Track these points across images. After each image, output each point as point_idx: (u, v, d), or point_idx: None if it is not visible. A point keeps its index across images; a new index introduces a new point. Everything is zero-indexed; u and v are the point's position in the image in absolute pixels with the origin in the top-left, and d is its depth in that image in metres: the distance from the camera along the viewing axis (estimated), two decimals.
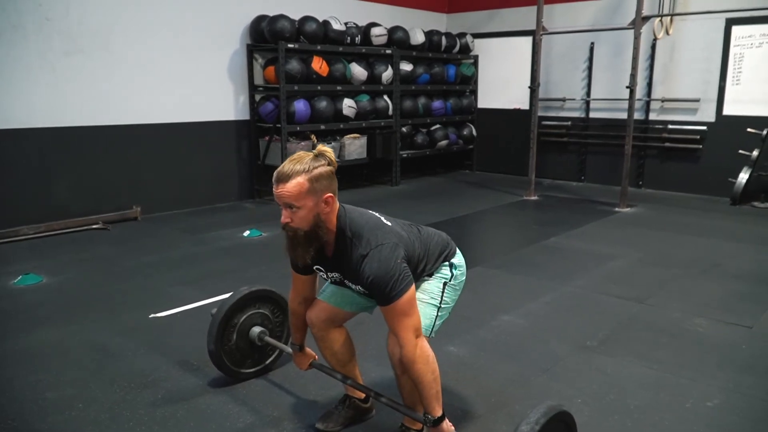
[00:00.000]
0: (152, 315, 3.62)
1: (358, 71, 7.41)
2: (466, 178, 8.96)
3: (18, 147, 5.36)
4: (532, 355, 3.11)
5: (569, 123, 8.48)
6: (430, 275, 2.20)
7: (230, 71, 6.84)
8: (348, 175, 7.95)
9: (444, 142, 8.74)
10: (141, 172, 6.22)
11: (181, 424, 2.47)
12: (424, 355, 2.00)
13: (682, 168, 7.62)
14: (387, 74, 7.76)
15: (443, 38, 8.55)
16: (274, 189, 1.94)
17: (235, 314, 2.72)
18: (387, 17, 8.26)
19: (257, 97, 7.06)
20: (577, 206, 6.96)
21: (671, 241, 5.37)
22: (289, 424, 2.48)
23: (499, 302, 3.85)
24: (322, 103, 7.07)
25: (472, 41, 9.05)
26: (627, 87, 6.54)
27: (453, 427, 2.10)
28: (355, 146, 7.58)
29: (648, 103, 7.72)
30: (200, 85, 6.56)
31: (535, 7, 7.23)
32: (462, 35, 8.93)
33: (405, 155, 8.37)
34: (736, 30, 7.00)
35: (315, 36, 6.90)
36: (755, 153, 6.72)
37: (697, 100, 7.35)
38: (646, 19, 6.52)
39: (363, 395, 2.45)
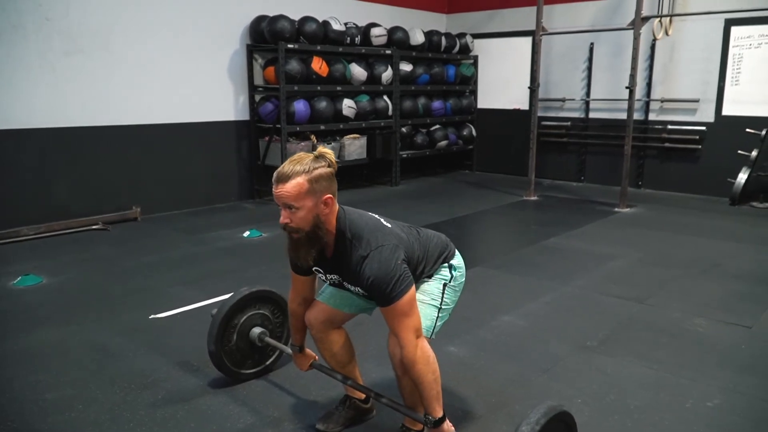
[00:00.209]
0: (152, 316, 3.62)
1: (357, 71, 7.41)
2: (465, 179, 8.96)
3: (18, 147, 5.36)
4: (532, 356, 3.11)
5: (569, 123, 8.49)
6: (430, 276, 2.20)
7: (230, 71, 6.84)
8: (348, 176, 7.95)
9: (444, 143, 8.74)
10: (141, 172, 6.22)
11: (181, 425, 2.47)
12: (425, 356, 2.00)
13: (681, 168, 7.63)
14: (387, 74, 7.76)
15: (443, 38, 8.55)
16: (273, 189, 1.94)
17: (235, 315, 2.72)
18: (387, 17, 8.26)
19: (257, 98, 7.06)
20: (577, 206, 6.97)
21: (671, 241, 5.37)
22: (290, 425, 2.48)
23: (499, 302, 3.85)
24: (322, 104, 7.07)
25: (472, 41, 9.06)
26: (626, 87, 6.55)
27: (453, 428, 2.10)
28: (355, 146, 7.58)
29: (647, 104, 7.73)
30: (200, 85, 6.57)
31: (534, 8, 7.23)
32: (462, 35, 8.93)
33: (405, 155, 8.38)
34: (735, 30, 7.01)
35: (315, 36, 6.90)
36: (754, 153, 6.72)
37: (697, 101, 7.36)
38: (646, 19, 6.52)
39: (363, 396, 2.45)
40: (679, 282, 4.26)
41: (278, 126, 6.76)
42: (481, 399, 2.67)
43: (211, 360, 2.70)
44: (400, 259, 1.97)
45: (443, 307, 2.20)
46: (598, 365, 2.99)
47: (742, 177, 6.78)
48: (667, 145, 7.64)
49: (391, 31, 7.87)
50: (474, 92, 9.39)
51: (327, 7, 7.47)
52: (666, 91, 7.61)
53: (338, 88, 7.31)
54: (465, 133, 9.15)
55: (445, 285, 2.21)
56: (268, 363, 2.88)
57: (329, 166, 1.97)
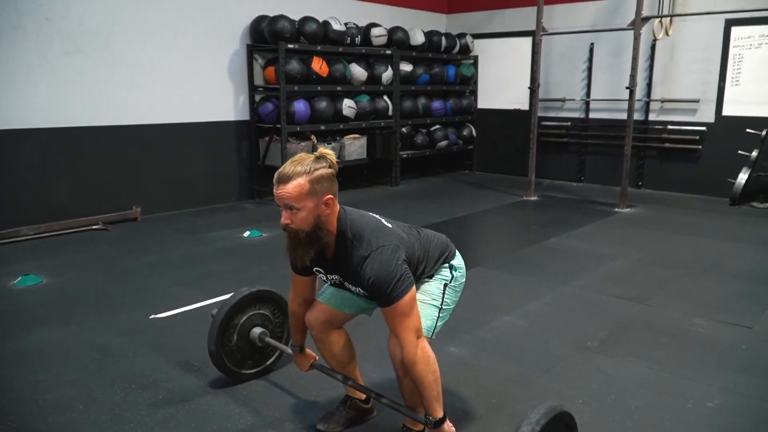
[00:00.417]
0: (152, 316, 3.62)
1: (358, 72, 7.41)
2: (465, 179, 8.96)
3: (18, 147, 5.36)
4: (533, 356, 3.11)
5: (569, 123, 8.49)
6: (431, 277, 2.21)
7: (230, 71, 6.84)
8: (348, 176, 7.95)
9: (444, 143, 8.74)
10: (141, 172, 6.22)
11: (181, 425, 2.47)
12: (425, 356, 2.00)
13: (681, 168, 7.63)
14: (387, 75, 7.76)
15: (443, 39, 8.55)
16: (274, 190, 1.94)
17: (235, 315, 2.72)
18: (387, 18, 8.26)
19: (257, 98, 7.06)
20: (577, 207, 6.97)
21: (671, 242, 5.37)
22: (290, 425, 2.48)
23: (500, 302, 3.85)
24: (322, 104, 7.07)
25: (472, 42, 9.06)
26: (627, 87, 6.55)
27: (454, 428, 2.10)
28: (355, 147, 7.58)
29: (647, 104, 7.73)
30: (200, 85, 6.56)
31: (534, 8, 7.23)
32: (462, 36, 8.93)
33: (405, 155, 8.38)
34: (735, 31, 7.01)
35: (315, 36, 6.90)
36: (754, 153, 6.72)
37: (697, 101, 7.36)
38: (646, 19, 6.52)
39: (364, 396, 2.45)
40: (679, 282, 4.26)
41: (278, 126, 6.76)
42: (481, 399, 2.67)
43: (211, 360, 2.70)
44: (401, 259, 1.98)
45: (444, 307, 2.20)
46: (599, 365, 2.99)
47: (743, 177, 6.78)
48: (667, 145, 7.64)
49: (392, 31, 7.87)
50: (474, 92, 9.39)
51: (327, 7, 7.47)
52: (666, 91, 7.61)
53: (338, 88, 7.31)
54: (465, 133, 9.15)
55: (445, 285, 2.21)
56: (268, 363, 2.88)
57: (330, 166, 1.97)
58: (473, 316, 3.56)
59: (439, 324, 2.19)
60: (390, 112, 7.95)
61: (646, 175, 7.92)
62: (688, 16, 7.15)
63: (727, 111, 7.18)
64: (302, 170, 1.91)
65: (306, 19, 6.87)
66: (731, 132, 7.01)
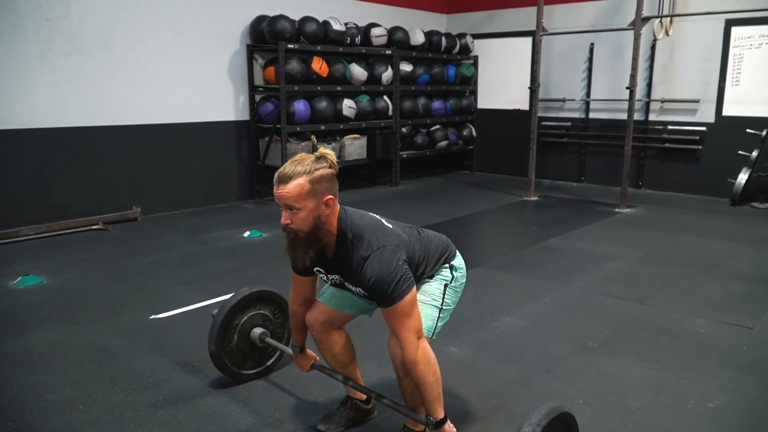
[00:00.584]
0: (153, 316, 3.62)
1: (358, 72, 7.41)
2: (465, 179, 8.96)
3: (18, 147, 5.36)
4: (533, 356, 3.11)
5: (569, 123, 8.49)
6: (431, 277, 2.20)
7: (230, 71, 6.84)
8: (348, 176, 7.95)
9: (444, 143, 8.74)
10: (141, 172, 6.22)
11: (182, 426, 2.47)
12: (426, 357, 2.00)
13: (681, 169, 7.63)
14: (387, 75, 7.76)
15: (443, 39, 8.55)
16: (274, 190, 1.94)
17: (236, 315, 2.72)
18: (387, 18, 8.26)
19: (257, 98, 7.06)
20: (577, 207, 6.97)
21: (671, 242, 5.37)
22: (291, 426, 2.47)
23: (500, 303, 3.85)
24: (322, 104, 7.07)
25: (472, 42, 9.06)
26: (627, 88, 6.55)
27: (455, 429, 2.09)
28: (355, 147, 7.58)
29: (648, 104, 7.73)
30: (200, 85, 6.56)
31: (535, 8, 7.23)
32: (462, 36, 8.93)
33: (405, 156, 8.37)
34: (735, 31, 7.01)
35: (315, 36, 6.90)
36: (754, 154, 6.72)
37: (697, 101, 7.36)
38: (646, 19, 6.52)
39: (365, 396, 2.45)
40: (680, 282, 4.26)
41: (278, 126, 6.76)
42: (482, 400, 2.66)
43: (211, 360, 2.70)
44: (401, 259, 1.97)
45: (444, 307, 2.20)
46: (599, 366, 2.99)
47: (743, 177, 6.78)
48: (667, 145, 7.64)
49: (392, 32, 7.87)
50: (474, 92, 9.39)
51: (327, 7, 7.46)
52: (666, 91, 7.61)
53: (338, 88, 7.31)
54: (465, 133, 9.15)
55: (446, 285, 2.21)
56: (268, 363, 2.88)
57: (330, 167, 1.96)
58: (473, 317, 3.56)
59: (439, 324, 2.19)
60: (390, 112, 7.95)
61: (646, 175, 7.92)
62: (689, 16, 7.15)
63: (727, 111, 7.18)
64: (302, 170, 1.91)
65: (306, 19, 6.87)
66: (731, 132, 7.01)
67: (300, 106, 6.86)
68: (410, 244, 2.09)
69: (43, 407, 2.60)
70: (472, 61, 9.25)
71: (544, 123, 8.49)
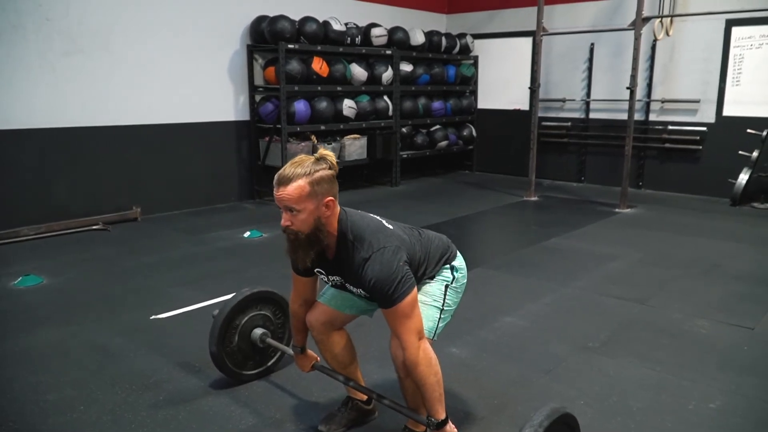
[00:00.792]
0: (153, 316, 3.61)
1: (358, 72, 7.41)
2: (465, 179, 8.96)
3: (18, 147, 5.35)
4: (534, 357, 3.11)
5: (569, 124, 8.48)
6: (432, 278, 2.20)
7: (230, 71, 6.83)
8: (348, 176, 7.95)
9: (444, 143, 8.74)
10: (141, 172, 6.22)
11: (182, 426, 2.47)
12: (427, 358, 2.00)
13: (682, 169, 7.63)
14: (387, 75, 7.75)
15: (443, 39, 8.55)
16: (274, 192, 1.94)
17: (236, 316, 2.72)
18: (387, 18, 8.26)
19: (257, 98, 7.06)
20: (577, 207, 6.97)
21: (671, 242, 5.37)
22: (291, 426, 2.47)
23: (500, 303, 3.85)
24: (323, 104, 7.07)
25: (472, 42, 9.05)
26: (627, 88, 6.55)
27: (456, 430, 2.09)
28: (356, 147, 7.57)
29: (648, 104, 7.72)
30: (200, 85, 6.56)
31: (535, 8, 7.23)
32: (462, 36, 8.93)
33: (405, 156, 8.37)
34: (736, 31, 7.01)
35: (315, 36, 6.89)
36: (755, 154, 6.72)
37: (697, 101, 7.36)
38: (647, 20, 6.52)
39: (365, 397, 2.44)
40: (680, 283, 4.26)
41: (278, 126, 6.75)
42: (482, 400, 2.66)
43: (212, 361, 2.70)
44: (402, 260, 1.97)
45: (445, 308, 2.19)
46: (600, 366, 2.99)
47: (743, 178, 6.78)
48: (667, 145, 7.64)
49: (392, 32, 7.87)
50: (474, 92, 9.39)
51: (327, 8, 7.46)
52: (666, 91, 7.61)
53: (338, 89, 7.30)
54: (465, 133, 9.15)
55: (446, 286, 2.20)
56: (269, 364, 2.88)
57: (330, 168, 1.96)
58: (474, 317, 3.55)
59: (440, 325, 2.19)
60: (390, 113, 7.94)
61: (646, 175, 7.92)
62: (689, 17, 7.15)
63: (727, 111, 7.18)
64: (302, 172, 1.90)
65: (306, 19, 6.87)
66: (732, 132, 7.01)
67: (300, 106, 6.86)
68: (411, 245, 2.09)
69: (44, 407, 2.60)
70: (472, 61, 9.25)
71: (544, 123, 8.48)
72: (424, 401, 2.06)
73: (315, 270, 2.17)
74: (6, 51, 5.17)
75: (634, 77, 6.46)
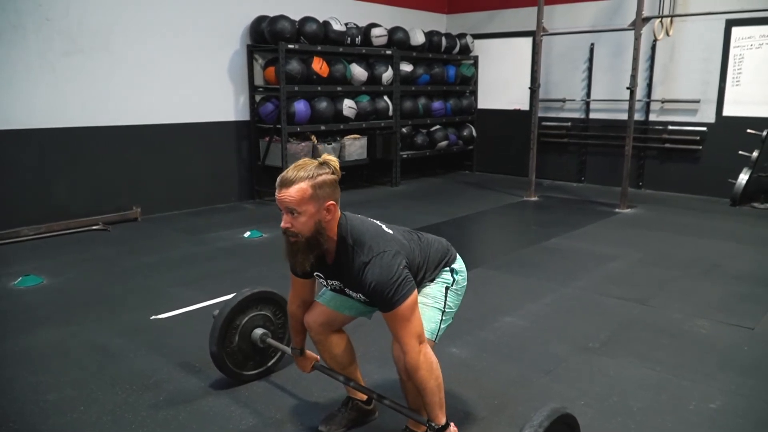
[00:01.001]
0: (153, 316, 3.61)
1: (358, 72, 7.41)
2: (466, 179, 8.96)
3: (18, 147, 5.35)
4: (534, 357, 3.11)
5: (569, 124, 8.49)
6: (432, 281, 2.20)
7: (230, 72, 6.83)
8: (348, 176, 7.92)
9: (444, 143, 8.74)
10: (141, 172, 6.22)
11: (183, 427, 2.47)
12: (428, 362, 2.00)
13: (682, 169, 7.63)
14: (387, 75, 7.75)
15: (443, 39, 8.55)
16: (276, 193, 1.94)
17: (237, 316, 2.72)
18: (387, 18, 8.26)
19: (257, 98, 7.06)
20: (577, 207, 6.97)
21: (671, 242, 5.37)
22: (292, 426, 2.47)
23: (500, 303, 3.85)
24: (323, 104, 7.07)
25: (472, 42, 9.05)
26: (627, 88, 6.55)
27: None
28: (356, 147, 7.57)
29: (648, 104, 7.73)
30: (200, 85, 6.56)
31: (535, 8, 7.23)
32: (462, 36, 8.93)
33: (405, 156, 8.37)
34: (736, 31, 7.01)
35: (315, 36, 6.89)
36: (755, 154, 6.72)
37: (697, 101, 7.36)
38: (647, 20, 6.52)
39: (366, 397, 2.44)
40: (680, 283, 4.26)
41: (278, 126, 6.75)
42: (483, 401, 2.66)
43: (212, 361, 2.70)
44: (401, 264, 1.97)
45: (446, 310, 2.19)
46: (600, 366, 2.99)
47: (743, 178, 6.78)
48: (667, 145, 7.64)
49: (392, 32, 7.87)
50: (474, 92, 9.39)
51: (327, 8, 7.46)
52: (666, 91, 7.61)
53: (339, 89, 7.30)
54: (465, 133, 9.15)
55: (447, 288, 2.20)
56: (269, 364, 2.88)
57: (333, 173, 1.96)
58: (474, 317, 3.55)
59: (442, 327, 2.19)
60: (390, 113, 7.94)
61: (646, 175, 7.92)
62: (689, 17, 7.15)
63: (727, 111, 7.18)
64: (305, 175, 1.91)
65: (306, 20, 6.87)
66: (732, 132, 7.01)
67: (300, 107, 6.86)
68: (410, 249, 2.09)
69: (44, 407, 2.60)
70: (472, 62, 9.25)
71: (544, 123, 8.48)
72: (425, 405, 2.06)
73: (314, 274, 2.17)
74: (6, 51, 5.17)
75: (634, 77, 6.46)
